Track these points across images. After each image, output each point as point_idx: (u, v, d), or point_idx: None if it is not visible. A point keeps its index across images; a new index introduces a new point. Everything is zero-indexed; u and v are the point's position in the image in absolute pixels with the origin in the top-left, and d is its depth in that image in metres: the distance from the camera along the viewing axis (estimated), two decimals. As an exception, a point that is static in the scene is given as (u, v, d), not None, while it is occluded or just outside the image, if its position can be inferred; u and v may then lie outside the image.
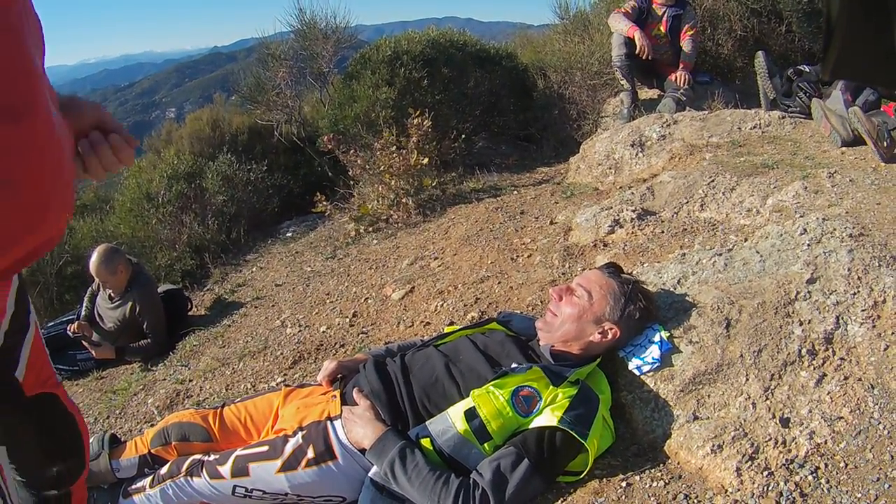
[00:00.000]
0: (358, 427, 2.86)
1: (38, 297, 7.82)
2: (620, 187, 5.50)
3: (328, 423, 3.00)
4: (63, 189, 1.33)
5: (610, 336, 2.92)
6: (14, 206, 1.18)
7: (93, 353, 6.00)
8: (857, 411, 2.66)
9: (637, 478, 2.62)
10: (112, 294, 6.01)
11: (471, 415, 2.70)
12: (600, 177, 5.92)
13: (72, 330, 5.95)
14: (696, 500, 2.46)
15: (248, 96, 9.30)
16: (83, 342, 5.99)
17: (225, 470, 3.06)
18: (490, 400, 2.71)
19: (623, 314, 2.93)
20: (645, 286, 3.14)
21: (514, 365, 2.85)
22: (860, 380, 2.77)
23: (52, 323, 6.55)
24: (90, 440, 3.60)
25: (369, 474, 2.81)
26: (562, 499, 2.63)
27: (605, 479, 2.64)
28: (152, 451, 3.46)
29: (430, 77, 7.88)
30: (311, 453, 2.92)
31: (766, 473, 2.51)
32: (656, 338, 2.99)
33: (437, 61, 8.09)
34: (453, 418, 2.73)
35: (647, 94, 8.26)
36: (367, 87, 7.79)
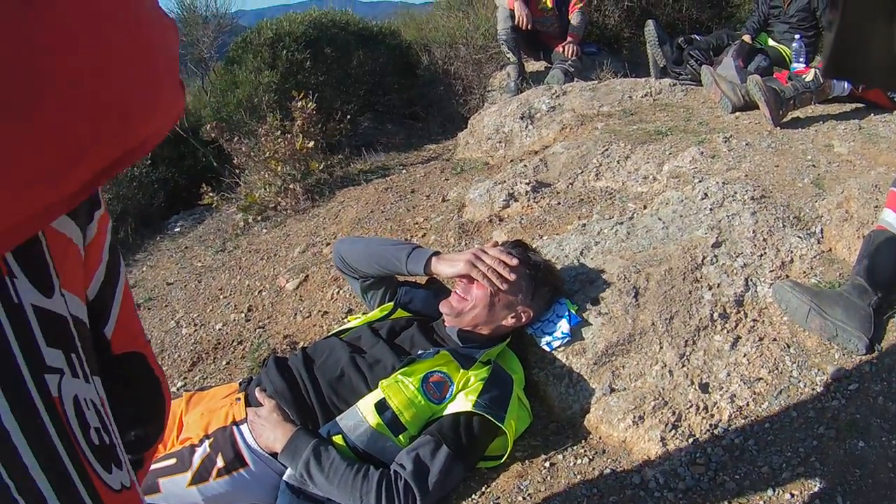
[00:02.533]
0: (266, 430, 2.76)
1: None
2: (512, 161, 5.49)
3: (234, 428, 2.88)
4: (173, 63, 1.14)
5: (523, 318, 2.92)
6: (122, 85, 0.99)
7: None
8: (776, 371, 2.73)
9: (560, 457, 2.65)
10: None
11: (382, 407, 2.66)
12: (490, 151, 5.89)
13: None
14: (623, 474, 2.49)
15: None
16: None
17: None
18: (400, 389, 2.67)
19: (534, 295, 2.92)
20: (550, 262, 3.10)
21: (420, 351, 2.81)
22: (775, 340, 2.84)
23: None
24: None
25: (284, 478, 2.73)
26: (485, 485, 2.65)
27: (527, 462, 2.66)
28: None
29: (313, 58, 7.81)
30: (220, 462, 2.79)
31: (691, 440, 2.57)
32: (564, 312, 2.97)
33: (319, 42, 8.01)
34: (364, 412, 2.68)
35: (533, 66, 8.30)
36: (248, 72, 7.69)
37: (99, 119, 0.98)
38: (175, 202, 8.21)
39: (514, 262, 2.85)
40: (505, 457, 2.67)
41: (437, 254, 3.02)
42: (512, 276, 2.82)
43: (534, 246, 3.40)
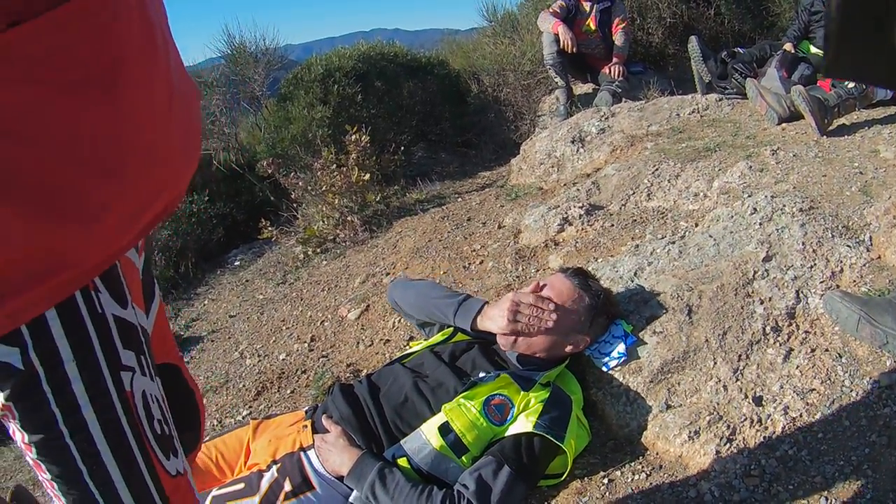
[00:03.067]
0: (333, 455, 2.82)
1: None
2: (565, 185, 5.50)
3: (301, 453, 2.95)
4: (190, 138, 1.47)
5: (581, 346, 2.96)
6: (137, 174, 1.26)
7: None
8: (828, 381, 2.71)
9: (618, 473, 2.65)
10: None
11: (445, 430, 2.70)
12: (543, 176, 5.91)
13: None
14: (679, 488, 2.50)
15: None
16: None
17: None
18: (462, 413, 2.71)
19: (592, 323, 2.95)
20: (609, 290, 3.13)
21: (481, 374, 2.84)
22: (827, 350, 2.82)
23: None
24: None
25: (350, 500, 2.78)
26: (545, 502, 2.68)
27: (586, 478, 2.67)
28: None
29: (364, 91, 7.86)
30: (287, 486, 2.86)
31: (746, 453, 2.56)
32: (620, 333, 3.01)
33: (369, 75, 8.07)
34: (427, 435, 2.72)
35: (581, 89, 8.30)
36: (301, 108, 7.76)
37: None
38: (234, 236, 8.33)
39: (550, 306, 2.88)
40: (565, 475, 2.70)
41: (482, 308, 3.06)
42: (555, 315, 2.87)
43: (589, 268, 3.44)
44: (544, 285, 3.01)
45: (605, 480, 2.61)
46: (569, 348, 2.93)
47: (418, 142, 8.38)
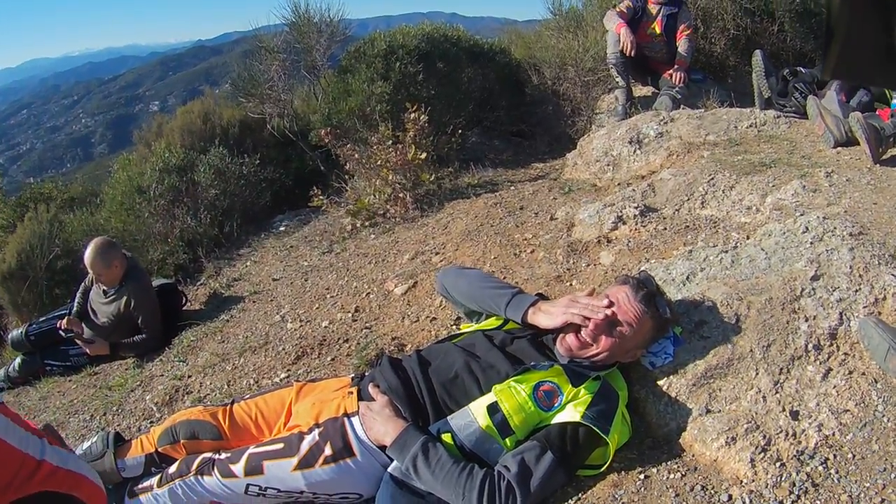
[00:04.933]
0: (378, 424, 2.87)
1: (28, 291, 7.78)
2: (619, 184, 5.52)
3: (345, 419, 3.02)
4: None
5: (638, 356, 3.00)
6: None
7: (86, 349, 5.97)
8: (862, 404, 2.73)
9: (654, 470, 2.67)
10: (106, 289, 5.96)
11: (493, 409, 2.73)
12: (598, 173, 5.91)
13: (61, 327, 5.91)
14: (712, 492, 2.52)
15: (241, 89, 9.24)
16: (75, 339, 5.95)
17: (238, 468, 3.07)
18: (512, 395, 2.74)
19: (655, 338, 3.00)
20: (674, 310, 3.12)
21: (533, 362, 2.85)
22: (864, 374, 2.84)
23: (44, 318, 6.51)
24: (95, 438, 3.62)
25: (389, 470, 2.82)
26: (581, 492, 2.68)
27: (623, 472, 2.69)
28: (159, 449, 3.45)
29: (426, 71, 7.87)
30: (328, 450, 2.93)
31: (778, 465, 2.57)
32: (669, 333, 3.04)
33: (431, 56, 8.10)
34: (475, 413, 2.76)
35: (641, 91, 8.27)
36: (362, 81, 7.79)
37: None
38: (280, 202, 8.42)
39: (601, 316, 2.85)
40: (604, 467, 2.70)
41: (535, 303, 3.07)
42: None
43: (642, 268, 3.45)
44: (608, 299, 2.97)
45: (642, 476, 2.65)
46: (627, 358, 2.98)
47: (474, 127, 8.37)
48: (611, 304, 2.92)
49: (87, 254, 5.70)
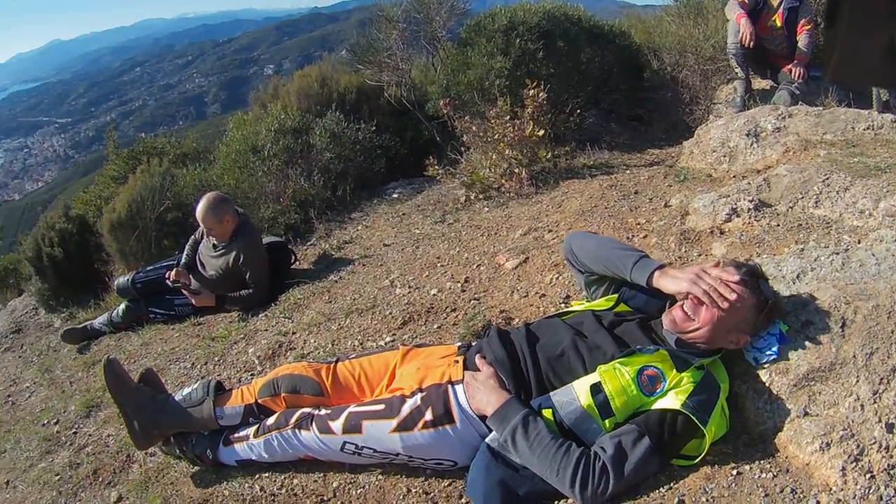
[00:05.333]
0: (481, 393, 2.92)
1: (136, 241, 8.04)
2: (734, 176, 5.45)
3: (449, 386, 3.08)
4: None
5: (741, 343, 2.92)
6: None
7: (192, 300, 6.19)
8: None
9: (747, 468, 2.64)
10: (216, 242, 6.12)
11: (596, 389, 2.74)
12: (714, 164, 5.85)
13: (170, 277, 6.13)
14: (801, 496, 2.48)
15: (359, 56, 9.32)
16: (182, 289, 6.16)
17: (336, 426, 3.20)
18: (616, 376, 2.74)
19: (755, 325, 2.90)
20: (778, 296, 3.07)
21: (639, 346, 2.86)
22: None
23: (151, 267, 6.74)
24: (196, 385, 3.81)
25: (486, 440, 2.88)
26: (673, 481, 2.68)
27: (716, 466, 2.68)
28: (259, 401, 3.64)
29: (546, 49, 7.82)
30: (429, 415, 3.01)
31: (868, 476, 2.51)
32: (776, 331, 2.97)
33: (552, 34, 8.04)
34: (578, 392, 2.76)
35: (759, 84, 8.14)
36: (481, 55, 7.80)
37: None
38: (394, 169, 8.49)
39: (733, 295, 2.81)
40: (698, 458, 2.70)
41: (661, 267, 3.04)
42: (732, 297, 2.81)
43: (753, 263, 3.41)
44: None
45: (734, 472, 2.62)
46: (730, 345, 2.91)
47: (591, 108, 8.30)
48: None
49: (200, 208, 5.85)
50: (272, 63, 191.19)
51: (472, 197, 6.61)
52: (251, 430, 3.55)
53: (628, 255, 3.17)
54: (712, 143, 5.95)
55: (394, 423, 3.05)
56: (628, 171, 6.30)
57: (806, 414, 2.75)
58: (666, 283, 2.95)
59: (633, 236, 4.65)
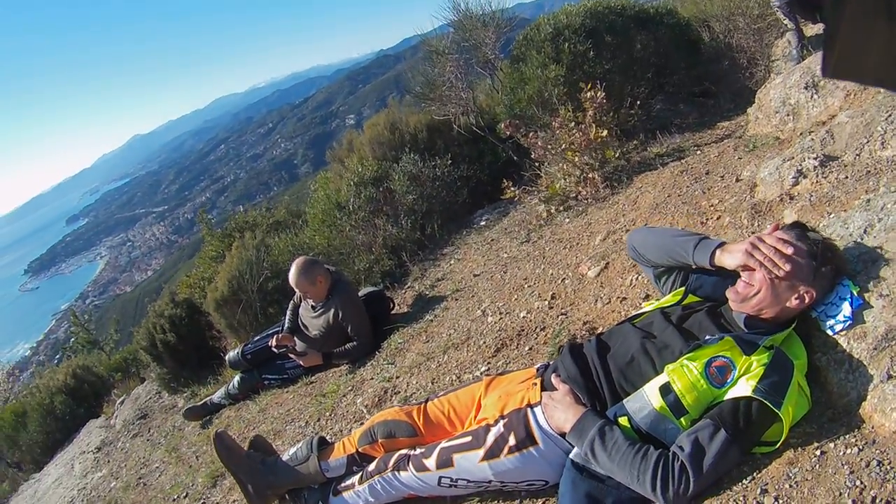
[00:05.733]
0: (558, 412, 3.03)
1: (242, 313, 8.33)
2: (801, 134, 5.25)
3: (528, 409, 3.19)
4: None
5: (807, 299, 2.84)
6: None
7: (300, 361, 6.44)
8: None
9: (831, 445, 2.57)
10: (314, 303, 6.34)
11: (665, 390, 2.77)
12: (779, 125, 5.69)
13: (272, 345, 6.41)
14: (888, 468, 2.37)
15: (420, 95, 9.45)
16: (289, 353, 6.42)
17: (430, 462, 3.38)
18: (684, 373, 2.77)
19: (815, 275, 2.83)
20: (831, 240, 3.00)
21: (707, 336, 2.88)
22: None
23: (258, 337, 7.04)
24: (300, 444, 4.07)
25: (570, 456, 2.96)
26: (756, 471, 2.66)
27: (799, 448, 2.63)
28: (360, 449, 3.85)
29: (596, 47, 7.79)
30: (512, 440, 3.13)
31: None
32: (847, 294, 2.89)
33: (598, 31, 8.00)
34: (649, 395, 2.81)
35: (811, 30, 7.94)
36: (535, 68, 7.83)
37: None
38: (479, 197, 8.58)
39: (790, 249, 2.79)
40: (779, 443, 2.66)
41: (721, 245, 3.03)
42: (787, 264, 2.78)
43: (820, 225, 3.33)
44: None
45: (818, 452, 2.56)
46: (795, 302, 2.83)
47: (657, 94, 8.26)
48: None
49: (291, 274, 6.10)
50: (352, 113, 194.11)
51: (552, 210, 6.64)
52: (356, 479, 3.76)
53: (688, 240, 3.20)
54: (773, 104, 5.82)
55: (481, 452, 3.19)
56: (699, 152, 6.24)
57: (889, 377, 2.60)
58: (725, 259, 2.96)
59: (706, 220, 4.63)
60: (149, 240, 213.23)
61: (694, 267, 3.21)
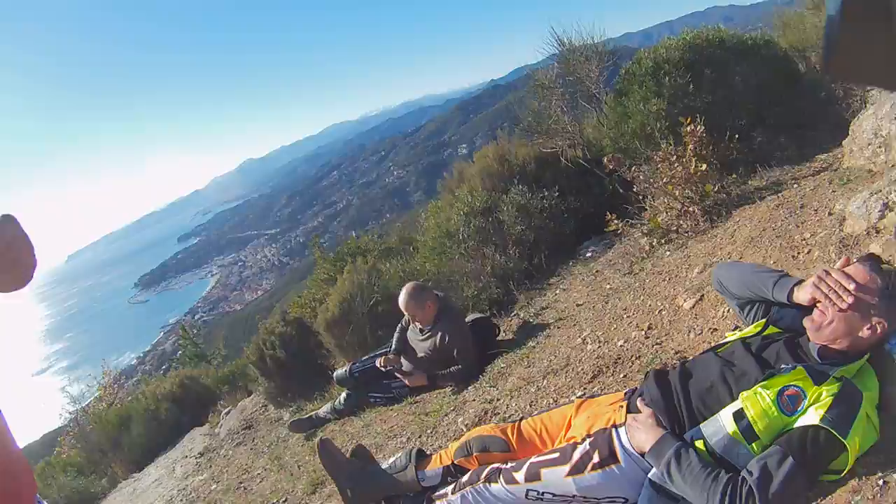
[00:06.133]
0: (639, 433, 3.22)
1: (352, 334, 8.65)
2: (893, 166, 5.27)
3: (613, 430, 3.41)
4: None
5: (879, 330, 2.91)
6: None
7: (406, 381, 6.70)
8: None
9: (894, 475, 2.61)
10: (421, 327, 6.60)
11: (739, 416, 2.93)
12: (872, 157, 5.69)
13: (380, 364, 6.73)
14: None
15: (528, 128, 9.65)
16: (395, 373, 6.71)
17: (520, 476, 3.57)
18: (757, 401, 2.92)
19: (889, 307, 2.90)
20: None
21: (782, 366, 3.02)
22: None
23: (367, 357, 7.36)
24: (400, 454, 4.34)
25: (649, 476, 3.14)
26: (820, 497, 2.75)
27: (864, 478, 2.68)
28: (455, 461, 4.15)
29: (695, 81, 7.89)
30: (596, 458, 3.33)
31: None
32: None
33: (697, 64, 8.10)
34: (724, 420, 2.98)
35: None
36: (637, 102, 7.99)
37: None
38: (586, 228, 8.71)
39: (852, 284, 2.91)
40: (844, 471, 2.72)
41: (799, 282, 3.22)
42: (850, 297, 2.90)
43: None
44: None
45: (881, 482, 2.61)
46: (866, 332, 2.92)
47: (757, 126, 8.19)
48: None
49: (401, 298, 6.41)
50: (464, 142, 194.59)
51: (654, 244, 6.80)
52: (449, 489, 3.98)
53: (768, 276, 3.40)
54: (866, 136, 5.82)
55: (567, 467, 3.40)
56: (796, 185, 6.29)
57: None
58: (799, 295, 3.15)
59: (797, 254, 4.72)
60: (260, 260, 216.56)
61: (774, 301, 3.38)
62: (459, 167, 10.74)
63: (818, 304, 3.05)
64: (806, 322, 3.11)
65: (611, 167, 7.53)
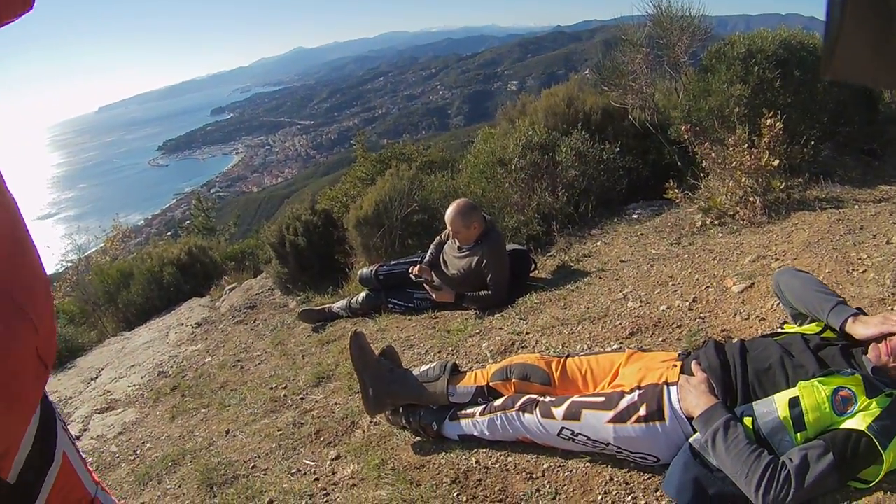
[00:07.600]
0: (691, 396, 3.29)
1: (381, 238, 8.68)
2: None
3: (665, 387, 3.46)
4: None
5: None
6: None
7: (433, 294, 6.75)
8: None
9: None
10: (460, 245, 6.64)
11: (793, 403, 3.01)
12: None
13: (413, 272, 6.76)
14: None
15: (604, 78, 9.64)
16: (424, 284, 6.75)
17: (559, 412, 3.64)
18: (813, 393, 2.99)
19: None
20: None
21: (839, 368, 3.12)
22: None
23: (395, 262, 7.41)
24: (434, 364, 4.34)
25: (689, 440, 3.23)
26: (847, 501, 2.85)
27: (888, 493, 2.78)
28: (491, 383, 4.15)
29: (783, 78, 7.87)
30: (643, 411, 3.39)
31: None
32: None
33: (789, 63, 8.07)
34: (778, 404, 3.05)
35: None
36: (721, 82, 7.97)
37: None
38: (635, 190, 8.74)
39: None
40: (873, 482, 2.82)
41: (855, 315, 3.30)
42: None
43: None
44: None
45: None
46: None
47: (826, 140, 8.26)
48: None
49: (450, 212, 6.42)
50: (515, 79, 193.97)
51: (707, 222, 6.86)
52: (478, 409, 4.06)
53: (827, 299, 3.48)
54: None
55: (610, 414, 3.45)
56: (857, 206, 6.36)
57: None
58: (858, 329, 3.23)
59: (852, 270, 4.79)
60: (287, 148, 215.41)
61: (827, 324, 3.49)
62: (524, 99, 10.70)
63: (889, 342, 3.11)
64: (871, 352, 3.16)
65: (686, 136, 7.59)
